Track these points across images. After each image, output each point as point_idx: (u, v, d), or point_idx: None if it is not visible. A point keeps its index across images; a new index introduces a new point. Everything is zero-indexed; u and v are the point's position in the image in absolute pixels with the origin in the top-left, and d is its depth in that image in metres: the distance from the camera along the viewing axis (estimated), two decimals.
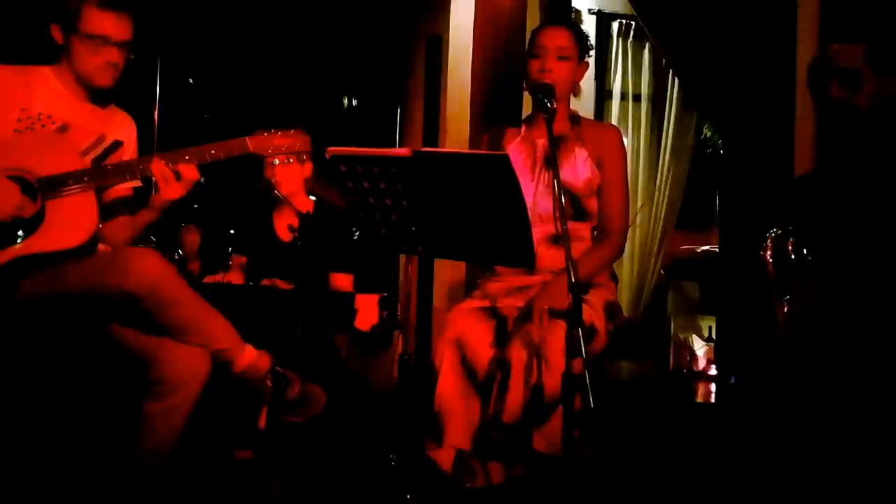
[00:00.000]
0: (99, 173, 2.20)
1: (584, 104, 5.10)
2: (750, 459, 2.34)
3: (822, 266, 1.96)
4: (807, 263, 1.98)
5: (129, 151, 2.43)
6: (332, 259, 3.23)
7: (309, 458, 2.65)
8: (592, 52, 2.58)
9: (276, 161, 3.13)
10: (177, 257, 3.60)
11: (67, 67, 2.29)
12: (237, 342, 2.22)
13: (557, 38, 2.46)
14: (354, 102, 5.35)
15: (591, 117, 5.04)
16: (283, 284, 2.97)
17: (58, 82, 2.31)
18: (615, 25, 5.30)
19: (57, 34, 2.27)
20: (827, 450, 1.86)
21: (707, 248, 5.43)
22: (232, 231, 3.51)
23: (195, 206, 3.94)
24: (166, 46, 4.33)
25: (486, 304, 2.46)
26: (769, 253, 2.02)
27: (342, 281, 3.21)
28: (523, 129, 2.60)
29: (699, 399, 4.49)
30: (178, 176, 2.21)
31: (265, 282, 2.98)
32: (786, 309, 2.00)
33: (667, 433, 3.33)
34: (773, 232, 2.02)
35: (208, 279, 3.08)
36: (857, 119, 2.01)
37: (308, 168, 3.25)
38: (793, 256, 1.99)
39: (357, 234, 3.23)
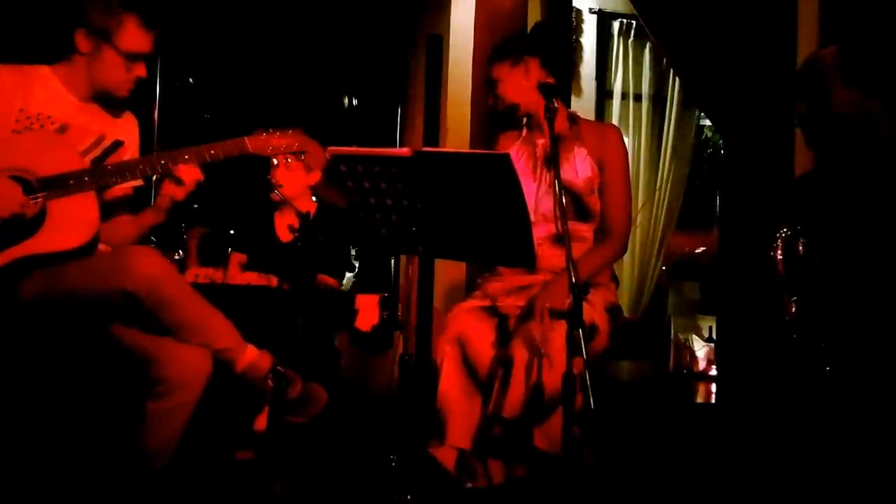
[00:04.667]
0: (100, 173, 2.20)
1: (584, 104, 5.11)
2: (750, 459, 2.34)
3: (831, 265, 1.96)
4: (816, 263, 1.97)
5: (131, 151, 2.42)
6: (331, 260, 3.23)
7: (309, 459, 2.65)
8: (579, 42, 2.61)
9: (276, 161, 3.14)
10: (177, 257, 3.59)
11: (77, 70, 2.27)
12: (239, 342, 2.21)
13: (494, 73, 2.53)
14: (355, 102, 5.35)
15: (592, 117, 5.04)
16: (275, 282, 2.97)
17: (57, 82, 2.29)
18: (616, 25, 5.29)
19: (84, 41, 2.24)
20: (830, 450, 1.86)
21: (707, 248, 5.43)
22: (232, 230, 3.51)
23: (195, 205, 3.94)
24: (166, 46, 4.32)
25: (487, 303, 2.46)
26: (779, 252, 2.02)
27: (329, 282, 3.21)
28: (524, 132, 2.61)
29: (699, 399, 4.49)
30: (180, 179, 2.23)
31: (261, 278, 2.97)
32: (794, 308, 2.00)
33: (667, 433, 3.32)
34: (784, 231, 2.02)
35: (202, 270, 3.06)
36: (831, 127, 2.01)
37: (315, 176, 3.26)
38: (802, 256, 1.99)
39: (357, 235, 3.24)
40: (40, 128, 2.23)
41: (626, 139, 5.11)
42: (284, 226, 3.23)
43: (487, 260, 2.48)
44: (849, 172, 2.01)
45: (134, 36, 2.23)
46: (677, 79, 5.14)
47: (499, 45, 2.62)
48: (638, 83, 5.34)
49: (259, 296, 2.88)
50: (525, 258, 1.95)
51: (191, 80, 4.78)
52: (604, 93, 5.31)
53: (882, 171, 1.94)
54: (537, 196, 2.48)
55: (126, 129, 2.42)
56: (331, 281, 3.22)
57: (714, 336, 4.72)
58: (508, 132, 2.67)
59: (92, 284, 2.06)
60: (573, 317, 1.82)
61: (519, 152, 2.56)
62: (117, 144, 2.35)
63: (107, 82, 2.27)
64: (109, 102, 2.35)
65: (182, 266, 3.54)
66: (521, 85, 2.49)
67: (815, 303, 1.98)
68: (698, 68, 3.58)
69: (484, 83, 2.59)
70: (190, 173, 2.24)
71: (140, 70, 2.28)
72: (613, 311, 2.46)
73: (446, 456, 2.30)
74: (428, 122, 3.91)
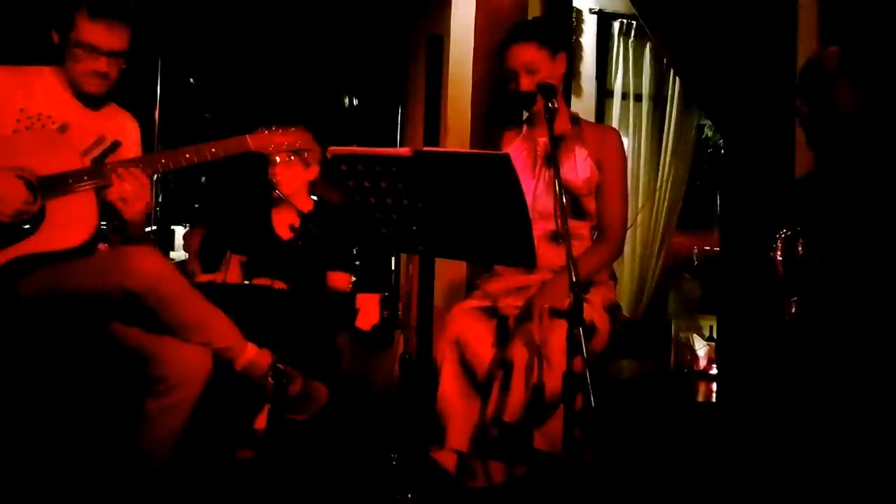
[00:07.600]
0: (99, 172, 2.20)
1: (584, 104, 5.12)
2: (751, 459, 2.34)
3: (831, 266, 1.96)
4: (815, 263, 1.97)
5: (132, 151, 2.42)
6: (332, 258, 3.23)
7: (310, 458, 2.65)
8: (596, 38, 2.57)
9: (278, 159, 3.13)
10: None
11: (64, 70, 2.29)
12: (239, 340, 2.22)
13: (521, 56, 2.43)
14: (355, 102, 5.35)
15: (592, 117, 5.04)
16: (279, 285, 2.97)
17: (57, 83, 2.30)
18: (616, 25, 5.30)
19: (56, 37, 2.25)
20: (830, 449, 1.86)
21: (708, 247, 5.44)
22: (232, 230, 3.51)
23: (196, 205, 3.94)
24: (167, 46, 4.33)
25: (487, 303, 2.46)
26: (779, 253, 2.02)
27: (340, 280, 3.21)
28: (524, 128, 2.61)
29: (700, 398, 4.49)
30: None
31: (264, 280, 2.97)
32: (794, 309, 2.00)
33: (668, 432, 3.33)
34: (784, 232, 2.02)
35: (204, 277, 3.07)
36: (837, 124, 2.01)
37: (313, 171, 3.26)
38: (802, 256, 1.99)
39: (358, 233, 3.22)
40: (41, 128, 2.24)
41: (626, 139, 5.13)
42: (283, 224, 3.23)
43: (487, 259, 2.48)
44: (852, 172, 2.01)
45: (85, 27, 2.19)
46: (677, 79, 5.14)
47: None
48: (638, 83, 5.35)
49: (260, 295, 2.88)
50: (525, 257, 1.95)
51: (192, 80, 4.78)
52: (604, 93, 5.32)
53: (886, 170, 1.94)
54: (535, 193, 2.48)
55: (125, 130, 2.42)
56: (342, 279, 3.21)
57: (715, 335, 4.73)
58: (512, 130, 2.66)
59: (92, 283, 2.06)
60: (573, 316, 1.82)
61: (519, 149, 2.56)
62: (116, 145, 2.35)
63: (72, 76, 2.26)
64: (99, 103, 2.34)
65: (182, 266, 3.55)
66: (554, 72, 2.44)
67: (815, 303, 1.98)
68: (698, 68, 3.58)
69: (500, 67, 2.49)
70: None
71: (98, 64, 2.23)
72: (613, 309, 2.46)
73: (447, 459, 2.30)
74: (428, 122, 3.91)
